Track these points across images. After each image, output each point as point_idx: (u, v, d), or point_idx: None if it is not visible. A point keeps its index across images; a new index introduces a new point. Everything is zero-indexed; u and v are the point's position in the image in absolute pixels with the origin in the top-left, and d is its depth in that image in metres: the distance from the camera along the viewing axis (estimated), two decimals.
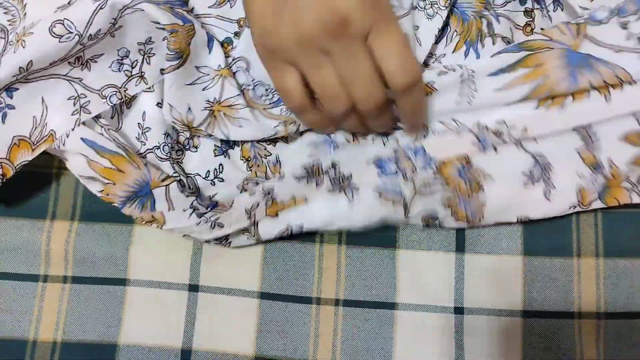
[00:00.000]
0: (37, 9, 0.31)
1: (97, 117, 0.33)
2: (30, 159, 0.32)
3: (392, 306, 0.34)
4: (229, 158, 0.36)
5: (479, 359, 0.34)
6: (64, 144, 0.32)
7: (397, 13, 0.33)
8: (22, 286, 0.34)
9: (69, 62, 0.32)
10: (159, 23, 0.31)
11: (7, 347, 0.34)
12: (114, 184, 0.32)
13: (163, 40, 0.32)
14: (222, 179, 0.35)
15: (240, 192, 0.35)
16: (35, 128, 0.32)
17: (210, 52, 0.34)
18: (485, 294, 0.34)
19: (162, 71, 0.33)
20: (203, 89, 0.33)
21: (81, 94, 0.33)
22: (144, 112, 0.34)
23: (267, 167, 0.35)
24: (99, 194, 0.32)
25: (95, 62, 0.33)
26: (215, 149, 0.36)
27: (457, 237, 0.35)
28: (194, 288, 0.34)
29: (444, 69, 0.33)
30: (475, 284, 0.35)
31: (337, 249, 0.35)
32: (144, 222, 0.33)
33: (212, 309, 0.34)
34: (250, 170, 0.36)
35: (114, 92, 0.33)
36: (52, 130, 0.32)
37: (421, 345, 0.34)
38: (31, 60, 0.29)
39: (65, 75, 0.32)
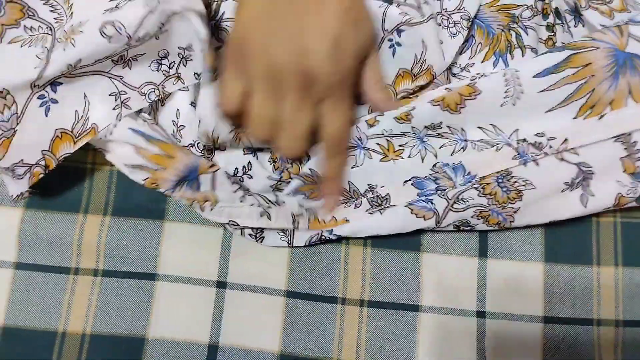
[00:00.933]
0: (83, 11, 0.32)
1: (139, 112, 0.34)
2: (72, 151, 0.33)
3: (415, 308, 0.35)
4: (257, 158, 0.37)
5: None
6: (111, 134, 0.32)
7: (415, 20, 0.34)
8: (53, 278, 0.35)
9: (112, 60, 0.33)
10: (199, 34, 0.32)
11: (36, 338, 0.34)
12: (165, 169, 0.33)
13: (201, 51, 0.33)
14: (250, 175, 0.36)
15: (273, 191, 0.35)
16: (78, 122, 0.33)
17: None
18: (507, 299, 0.35)
19: (196, 75, 0.34)
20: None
21: (121, 90, 0.34)
22: (178, 109, 0.35)
23: (300, 168, 0.36)
24: (142, 182, 0.33)
25: (136, 60, 0.34)
26: (244, 148, 0.37)
27: (480, 243, 0.36)
28: (221, 284, 0.35)
29: (477, 74, 0.34)
30: (497, 289, 0.35)
31: (362, 250, 0.36)
32: (195, 202, 0.34)
33: (239, 306, 0.35)
34: (276, 170, 0.36)
35: (153, 90, 0.34)
36: (94, 123, 0.33)
37: (443, 347, 0.35)
38: (80, 59, 0.30)
39: (107, 72, 0.33)
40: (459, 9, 0.36)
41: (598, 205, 0.34)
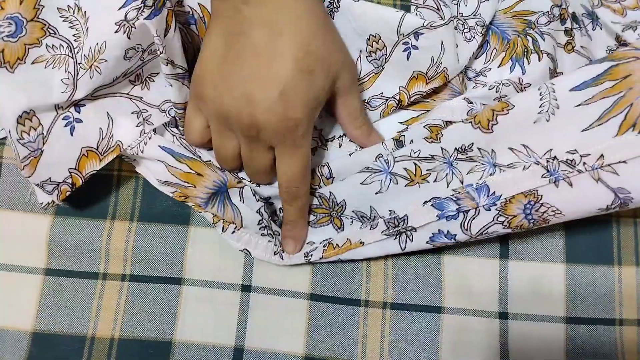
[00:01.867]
0: (96, 23, 0.32)
1: (167, 124, 0.35)
2: (98, 168, 0.33)
3: (438, 310, 0.36)
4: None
5: None
6: (142, 152, 0.33)
7: (437, 23, 0.34)
8: (82, 283, 0.36)
9: (130, 80, 0.34)
10: None
11: (66, 343, 0.35)
12: (195, 187, 0.34)
13: (177, 118, 0.34)
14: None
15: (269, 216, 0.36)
16: (102, 139, 0.34)
17: None
18: (529, 300, 0.35)
19: None
20: None
21: (142, 109, 0.35)
22: None
23: (320, 179, 0.36)
24: (171, 195, 0.34)
25: (153, 80, 0.35)
26: None
27: (501, 245, 0.36)
28: (246, 288, 0.36)
29: (496, 82, 0.35)
30: (519, 290, 0.36)
31: None
32: (220, 221, 0.35)
33: (263, 309, 0.36)
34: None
35: (172, 106, 0.35)
36: (118, 141, 0.34)
37: (466, 349, 0.35)
38: (104, 80, 0.32)
39: (127, 94, 0.34)
40: (474, 15, 0.36)
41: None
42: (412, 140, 0.34)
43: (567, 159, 0.30)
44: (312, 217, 0.36)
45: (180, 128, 0.35)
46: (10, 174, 0.37)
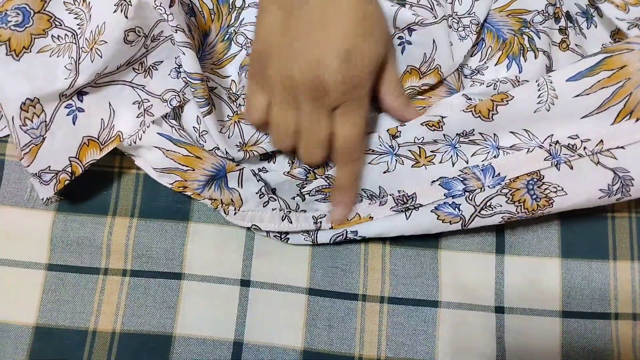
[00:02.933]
0: (98, 8, 0.33)
1: (166, 116, 0.35)
2: (98, 158, 0.34)
3: (435, 304, 0.36)
4: (274, 162, 0.38)
5: (520, 357, 0.35)
6: (140, 139, 0.34)
7: (428, 20, 0.35)
8: (83, 278, 0.36)
9: (133, 69, 0.35)
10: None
11: (68, 337, 0.35)
12: (193, 170, 0.34)
13: (192, 90, 0.34)
14: (266, 169, 0.37)
15: (299, 192, 0.36)
16: (104, 129, 0.34)
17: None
18: (525, 294, 0.36)
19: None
20: (229, 137, 0.36)
21: (144, 99, 0.35)
22: (198, 116, 0.36)
23: (325, 170, 0.36)
24: (170, 186, 0.35)
25: (157, 69, 0.36)
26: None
27: (497, 239, 0.37)
28: (245, 283, 0.36)
29: (493, 80, 0.35)
30: (515, 285, 0.36)
31: (381, 248, 0.37)
32: (220, 206, 0.35)
33: (262, 304, 0.36)
34: (301, 170, 0.37)
35: (174, 96, 0.35)
36: (119, 131, 0.34)
37: (463, 342, 0.35)
38: (107, 66, 0.32)
39: (130, 82, 0.35)
40: (469, 13, 0.37)
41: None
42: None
43: (568, 144, 0.32)
44: (320, 196, 0.37)
45: (176, 124, 0.36)
46: (13, 171, 0.37)
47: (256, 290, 0.36)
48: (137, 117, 0.35)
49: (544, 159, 0.33)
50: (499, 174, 0.33)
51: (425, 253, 0.37)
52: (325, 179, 0.35)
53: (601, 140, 0.32)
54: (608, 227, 0.37)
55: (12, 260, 0.36)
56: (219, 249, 0.37)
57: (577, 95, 0.31)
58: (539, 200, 0.33)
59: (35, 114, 0.32)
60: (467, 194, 0.34)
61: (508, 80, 0.35)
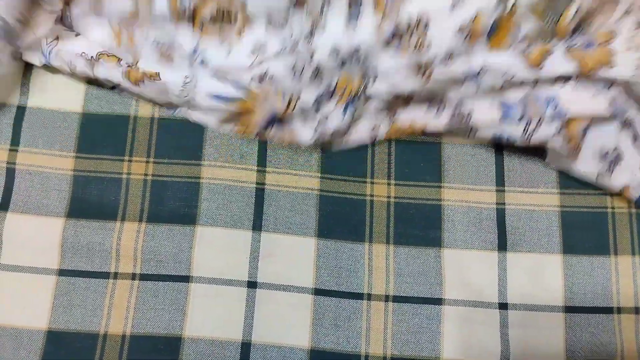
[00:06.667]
0: None
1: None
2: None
3: (439, 302, 0.36)
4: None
5: (524, 352, 0.36)
6: (194, 100, 0.37)
7: None
8: (94, 283, 0.37)
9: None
10: None
11: (79, 340, 0.36)
12: (251, 115, 0.37)
13: None
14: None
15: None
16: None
17: None
18: (528, 290, 0.36)
19: None
20: None
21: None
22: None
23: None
24: (232, 130, 0.38)
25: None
26: None
27: (499, 237, 0.37)
28: (252, 284, 0.37)
29: None
30: (518, 281, 0.36)
31: (385, 248, 0.37)
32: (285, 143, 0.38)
33: (269, 304, 0.37)
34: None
35: None
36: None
37: (468, 338, 0.36)
38: None
39: None
40: None
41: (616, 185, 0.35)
42: None
43: None
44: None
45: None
46: (24, 179, 0.38)
47: (263, 292, 0.37)
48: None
49: (609, 104, 0.33)
50: (562, 107, 0.33)
51: (428, 252, 0.37)
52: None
53: None
54: (608, 222, 0.37)
55: (24, 267, 0.37)
56: (226, 251, 0.37)
57: None
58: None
59: None
60: (523, 123, 0.34)
61: None
